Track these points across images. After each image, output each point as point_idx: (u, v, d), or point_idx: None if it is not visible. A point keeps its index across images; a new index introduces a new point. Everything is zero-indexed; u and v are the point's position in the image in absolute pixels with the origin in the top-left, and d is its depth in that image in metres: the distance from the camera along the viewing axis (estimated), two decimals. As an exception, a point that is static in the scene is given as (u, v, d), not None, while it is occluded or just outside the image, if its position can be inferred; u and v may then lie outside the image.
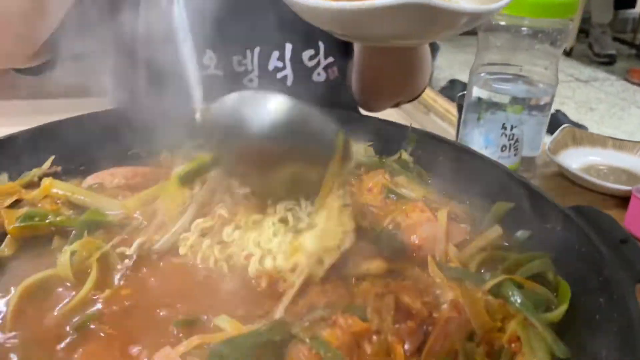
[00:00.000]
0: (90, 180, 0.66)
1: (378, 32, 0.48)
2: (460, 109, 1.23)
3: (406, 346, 0.44)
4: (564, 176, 1.13)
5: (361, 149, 0.74)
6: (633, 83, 4.29)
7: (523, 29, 0.96)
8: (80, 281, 0.51)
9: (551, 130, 1.14)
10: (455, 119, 1.27)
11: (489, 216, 0.64)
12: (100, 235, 0.58)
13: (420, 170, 0.72)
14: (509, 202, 0.63)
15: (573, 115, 3.48)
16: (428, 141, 0.74)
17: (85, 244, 0.54)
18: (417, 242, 0.58)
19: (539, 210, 0.59)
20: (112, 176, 0.66)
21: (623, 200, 1.02)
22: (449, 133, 1.92)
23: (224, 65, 0.98)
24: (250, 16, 0.95)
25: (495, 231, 0.61)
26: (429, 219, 0.60)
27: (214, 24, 0.95)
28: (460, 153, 0.72)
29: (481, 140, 1.04)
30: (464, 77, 3.65)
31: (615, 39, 5.04)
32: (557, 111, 3.26)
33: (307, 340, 0.43)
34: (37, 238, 0.58)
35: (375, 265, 0.52)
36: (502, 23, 0.96)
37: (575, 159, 1.21)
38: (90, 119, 0.73)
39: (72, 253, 0.53)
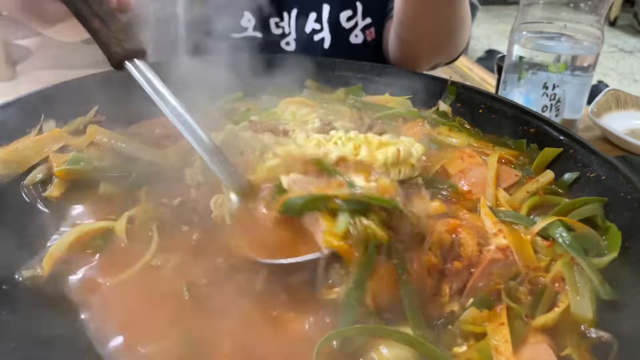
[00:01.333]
0: (133, 129, 0.68)
1: None
2: (499, 70, 1.19)
3: (453, 285, 0.44)
4: (607, 140, 1.10)
5: (398, 101, 0.73)
6: (681, 54, 4.09)
7: (568, -17, 0.92)
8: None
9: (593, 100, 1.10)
10: (493, 89, 1.24)
11: (538, 161, 0.62)
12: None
13: (461, 119, 0.71)
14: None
15: (616, 87, 3.35)
16: (467, 93, 0.72)
17: (144, 212, 0.55)
18: (466, 187, 0.58)
19: (585, 159, 0.57)
20: (153, 125, 0.67)
21: (670, 162, 0.99)
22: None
23: (262, 27, 0.98)
24: None
25: (547, 175, 0.60)
26: (478, 164, 0.59)
27: None
28: (500, 104, 0.70)
29: (521, 100, 1.01)
30: (502, 48, 3.54)
31: (664, 8, 4.79)
32: (600, 82, 3.15)
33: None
34: (84, 181, 0.59)
35: (434, 206, 0.52)
36: (547, -22, 0.93)
37: (619, 123, 1.17)
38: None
39: (130, 219, 0.54)
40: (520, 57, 1.00)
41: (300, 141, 0.55)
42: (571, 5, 0.96)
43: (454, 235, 0.47)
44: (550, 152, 0.62)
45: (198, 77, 0.78)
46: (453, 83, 0.73)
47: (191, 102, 0.64)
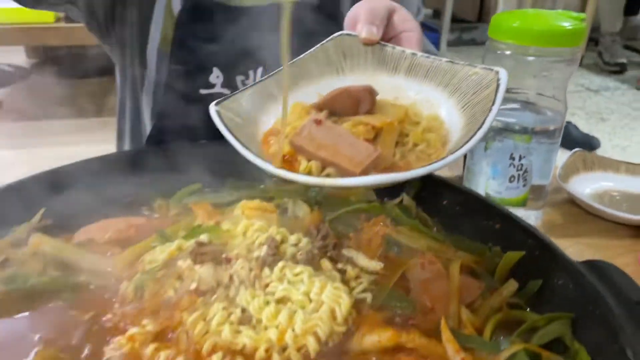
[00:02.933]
0: (81, 235, 0.64)
1: None
2: (466, 135, 1.19)
3: None
4: (575, 204, 1.10)
5: (360, 193, 0.72)
6: (645, 92, 4.23)
7: (529, 57, 0.93)
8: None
9: (562, 144, 1.11)
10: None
11: (500, 267, 0.60)
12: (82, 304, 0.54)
13: (424, 216, 0.69)
14: (519, 251, 0.60)
15: (584, 127, 3.42)
16: (432, 183, 0.71)
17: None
18: (428, 303, 0.55)
19: (552, 265, 0.56)
20: (103, 231, 0.64)
21: (638, 229, 0.99)
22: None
23: (228, 84, 0.97)
24: (254, 36, 0.94)
25: (510, 286, 0.58)
26: (440, 274, 0.57)
27: (220, 43, 0.95)
28: (466, 197, 0.68)
29: (489, 170, 1.01)
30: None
31: (626, 47, 4.98)
32: (568, 123, 3.21)
33: None
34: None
35: (385, 336, 0.49)
36: (508, 52, 0.93)
37: (588, 185, 1.18)
38: (83, 167, 0.71)
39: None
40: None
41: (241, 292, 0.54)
42: (533, 76, 0.97)
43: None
44: (513, 257, 0.60)
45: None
46: (417, 171, 0.71)
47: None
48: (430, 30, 4.49)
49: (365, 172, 0.51)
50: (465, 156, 1.16)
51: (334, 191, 0.73)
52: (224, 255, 0.55)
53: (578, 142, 3.07)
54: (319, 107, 0.60)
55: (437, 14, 6.21)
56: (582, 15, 0.93)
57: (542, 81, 0.98)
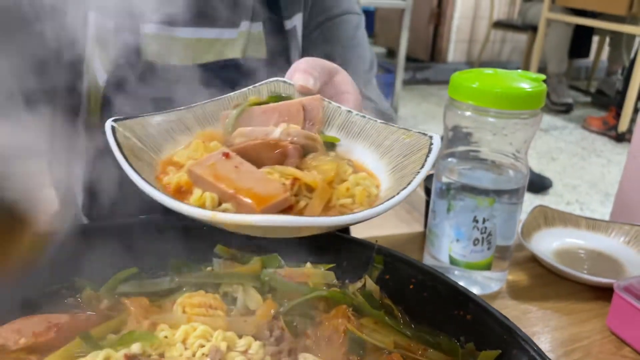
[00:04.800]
0: (-9, 339, 0.54)
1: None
2: (427, 192, 1.16)
3: None
4: (538, 262, 1.07)
5: (319, 275, 0.65)
6: (591, 131, 4.40)
7: (490, 119, 0.90)
8: None
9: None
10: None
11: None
12: None
13: (388, 303, 0.63)
14: (494, 349, 0.54)
15: (535, 166, 3.50)
16: (396, 264, 0.65)
17: None
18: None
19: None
20: (17, 333, 0.54)
21: (603, 290, 0.96)
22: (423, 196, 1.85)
23: None
24: (187, 92, 0.89)
25: None
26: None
27: (156, 106, 0.89)
28: (432, 280, 0.63)
29: (452, 233, 0.97)
30: (428, 127, 3.65)
31: (571, 87, 5.21)
32: (521, 164, 3.27)
33: None
34: None
35: None
36: (468, 113, 0.90)
37: (550, 241, 1.16)
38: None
39: None
40: (448, 187, 0.96)
41: None
42: (494, 134, 0.95)
43: None
44: (489, 356, 0.54)
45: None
46: (380, 251, 0.65)
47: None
48: (385, 71, 4.56)
49: (267, 211, 0.45)
50: (426, 214, 1.12)
51: (290, 272, 0.66)
52: (161, 374, 0.47)
53: (532, 182, 3.12)
54: (227, 157, 0.52)
55: (391, 53, 6.38)
56: (541, 76, 0.92)
57: (503, 141, 0.96)
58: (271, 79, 0.68)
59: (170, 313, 0.58)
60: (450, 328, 0.59)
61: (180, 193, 0.49)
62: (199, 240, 0.70)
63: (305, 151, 0.55)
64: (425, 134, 0.56)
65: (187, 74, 0.89)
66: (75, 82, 0.90)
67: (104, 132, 0.85)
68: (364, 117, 0.62)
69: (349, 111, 0.63)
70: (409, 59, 5.31)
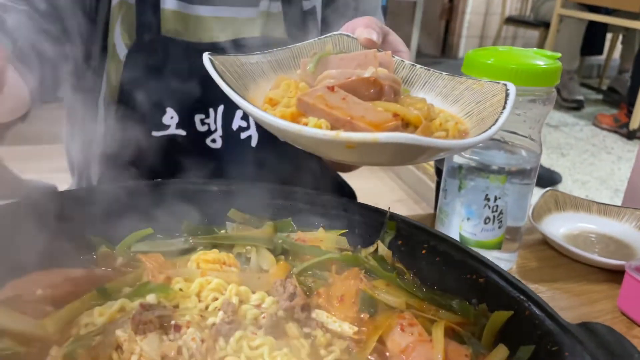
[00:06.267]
0: (7, 290, 0.55)
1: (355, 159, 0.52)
2: (439, 172, 1.16)
3: None
4: (549, 245, 1.07)
5: (332, 239, 0.65)
6: (602, 128, 4.36)
7: (504, 96, 0.90)
8: None
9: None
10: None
11: (488, 329, 0.54)
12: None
13: (401, 268, 0.63)
14: (507, 310, 0.54)
15: (545, 162, 3.48)
16: (408, 229, 0.65)
17: None
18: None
19: (544, 326, 0.50)
20: (34, 285, 0.55)
21: (613, 273, 0.96)
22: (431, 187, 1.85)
23: (186, 124, 0.91)
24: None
25: (500, 353, 0.52)
26: (422, 339, 0.50)
27: (174, 81, 0.89)
28: (445, 245, 0.63)
29: (463, 211, 0.97)
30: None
31: (582, 85, 5.17)
32: (531, 158, 3.25)
33: None
34: None
35: None
36: (483, 90, 0.90)
37: (561, 225, 1.15)
38: (15, 208, 0.62)
39: None
40: (460, 166, 0.96)
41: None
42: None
43: None
44: (501, 317, 0.54)
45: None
46: (392, 217, 0.65)
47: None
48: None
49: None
50: (437, 193, 1.12)
51: (303, 236, 0.66)
52: (172, 322, 0.47)
53: (541, 177, 3.11)
54: (332, 90, 0.54)
55: (402, 49, 6.32)
56: (557, 54, 0.91)
57: (517, 120, 0.95)
58: (335, 32, 0.69)
59: (185, 268, 0.58)
60: (462, 291, 0.59)
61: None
62: (213, 204, 0.70)
63: None
64: (498, 82, 0.57)
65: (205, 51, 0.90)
66: (100, 56, 0.90)
67: (122, 108, 0.86)
68: (428, 70, 0.64)
69: (413, 65, 0.64)
70: (420, 54, 5.28)
